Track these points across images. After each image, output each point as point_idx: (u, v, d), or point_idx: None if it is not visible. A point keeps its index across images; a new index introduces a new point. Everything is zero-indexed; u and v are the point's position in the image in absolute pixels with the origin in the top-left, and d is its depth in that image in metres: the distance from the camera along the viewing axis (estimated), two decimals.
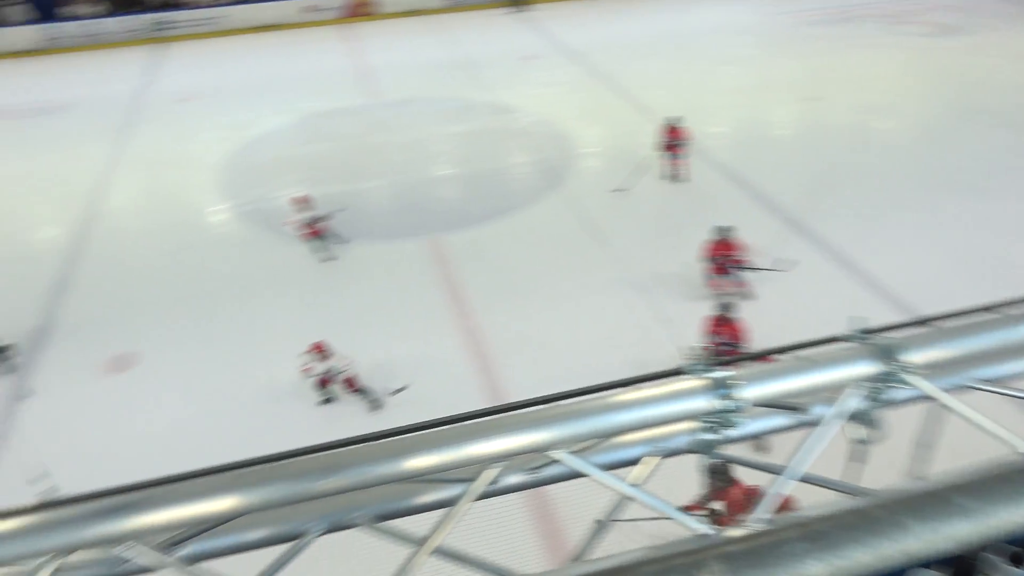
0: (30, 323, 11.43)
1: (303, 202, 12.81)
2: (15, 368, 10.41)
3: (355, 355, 9.42)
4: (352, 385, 9.32)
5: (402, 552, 1.91)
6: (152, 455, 8.68)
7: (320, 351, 9.24)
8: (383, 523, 2.02)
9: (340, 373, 9.29)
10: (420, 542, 1.89)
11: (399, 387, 9.26)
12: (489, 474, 1.94)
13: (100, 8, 27.02)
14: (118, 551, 1.78)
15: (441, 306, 11.34)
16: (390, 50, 25.25)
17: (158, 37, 27.33)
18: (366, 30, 27.85)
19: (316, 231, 12.72)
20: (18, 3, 25.99)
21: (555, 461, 1.92)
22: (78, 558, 1.84)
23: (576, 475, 1.98)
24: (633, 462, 2.05)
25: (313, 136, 18.52)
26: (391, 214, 14.57)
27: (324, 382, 9.32)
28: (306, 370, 9.23)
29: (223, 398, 9.74)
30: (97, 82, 23.19)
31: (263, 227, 14.12)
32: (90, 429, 9.31)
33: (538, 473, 2.04)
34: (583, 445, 1.97)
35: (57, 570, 1.72)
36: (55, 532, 1.65)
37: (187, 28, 27.69)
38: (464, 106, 19.83)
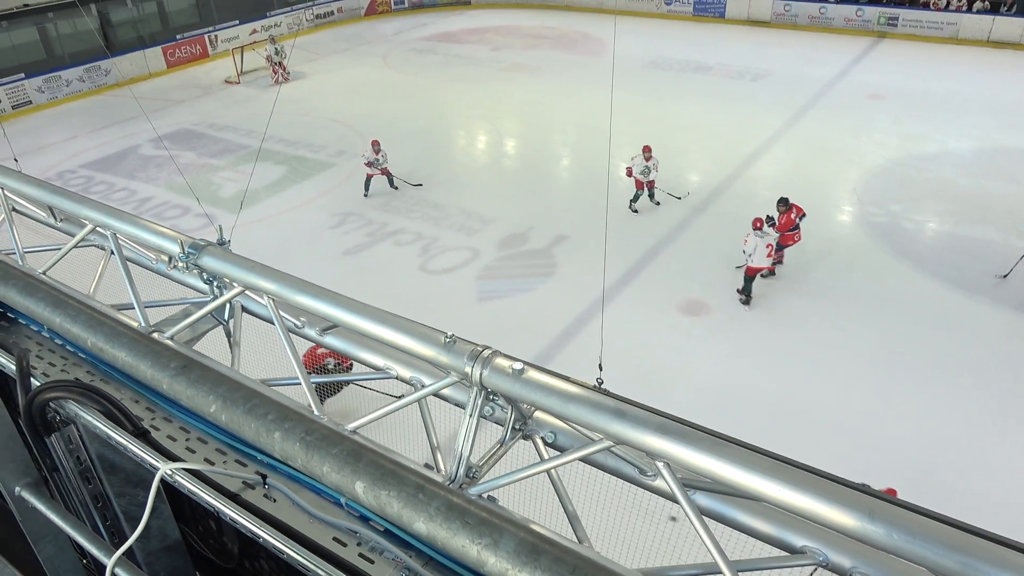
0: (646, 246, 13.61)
1: (375, 144, 15.61)
2: None
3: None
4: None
5: None
6: (693, 393, 9.68)
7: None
8: None
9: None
10: None
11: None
12: None
13: None
14: (645, 464, 2.07)
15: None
16: None
17: (879, 31, 27.22)
18: None
19: (371, 175, 15.79)
20: None
21: None
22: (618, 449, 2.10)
23: None
24: None
25: (990, 171, 16.32)
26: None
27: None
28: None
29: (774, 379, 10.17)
30: (803, 60, 24.51)
31: (882, 243, 13.49)
32: (653, 352, 10.78)
33: None
34: None
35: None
36: (604, 415, 1.88)
37: (912, 28, 26.75)
38: None
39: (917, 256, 13.08)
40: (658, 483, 2.09)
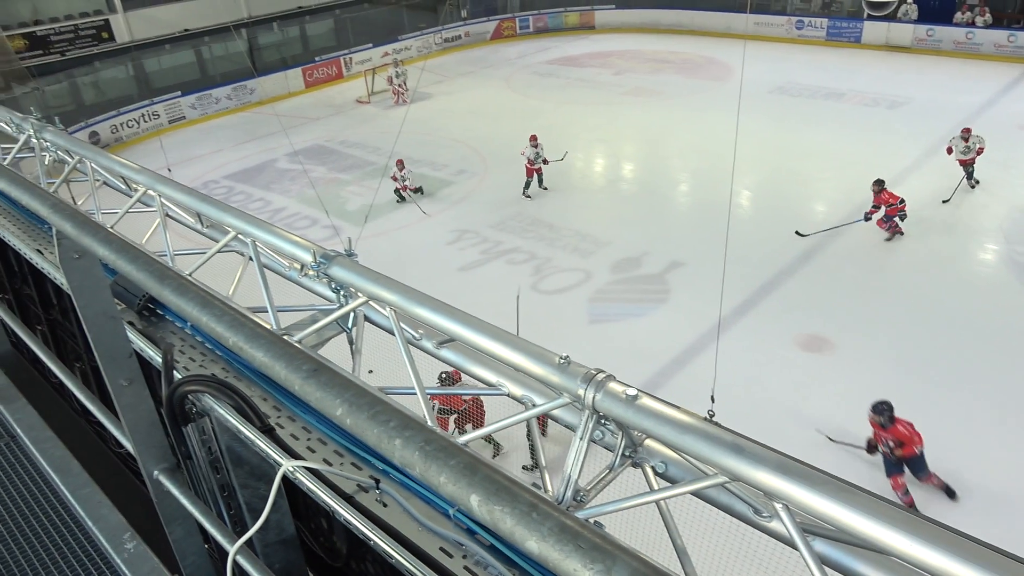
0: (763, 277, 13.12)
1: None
2: None
3: None
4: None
5: None
6: (810, 434, 9.22)
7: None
8: None
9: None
10: None
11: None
12: None
13: (986, 19, 26.30)
14: (760, 504, 1.97)
15: None
16: None
17: None
18: None
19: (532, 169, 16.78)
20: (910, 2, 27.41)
21: None
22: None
23: None
24: None
25: None
26: None
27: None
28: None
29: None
30: (947, 88, 23.04)
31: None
32: (767, 387, 10.34)
33: None
34: None
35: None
36: (720, 449, 1.82)
37: None
38: None
39: None
40: (774, 525, 2.00)
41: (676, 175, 18.84)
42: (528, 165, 16.86)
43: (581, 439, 2.08)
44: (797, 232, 14.24)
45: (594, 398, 2.00)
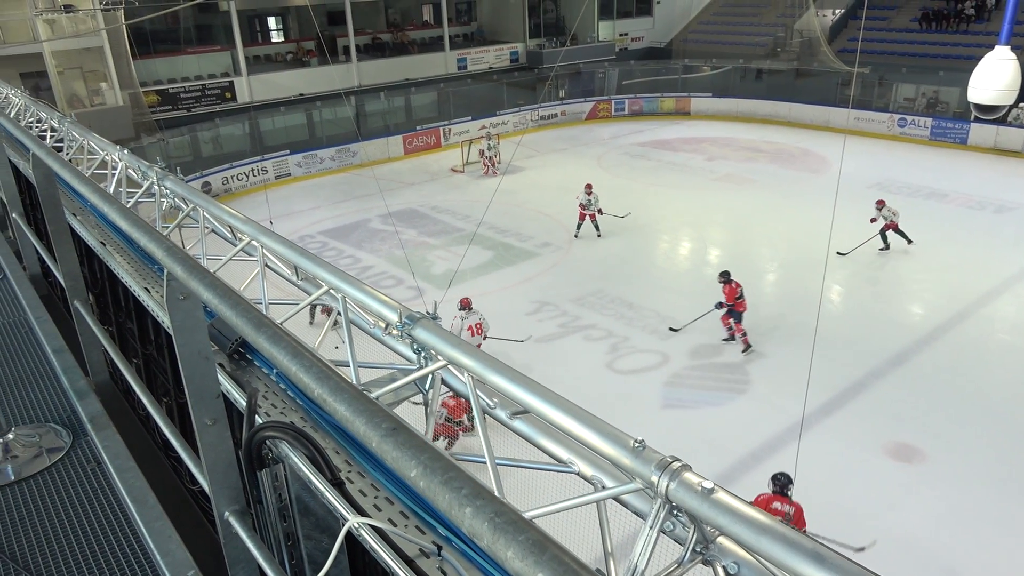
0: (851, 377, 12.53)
1: (588, 188, 18.83)
2: None
3: None
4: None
5: None
6: (896, 550, 8.60)
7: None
8: None
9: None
10: None
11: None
12: None
13: None
14: None
15: None
16: None
17: None
18: None
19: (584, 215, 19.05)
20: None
21: None
22: None
23: None
24: None
25: None
26: None
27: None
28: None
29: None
30: None
31: None
32: (850, 494, 9.76)
33: None
34: None
35: None
36: (799, 555, 1.71)
37: None
38: None
39: None
40: None
41: (764, 264, 18.47)
42: (581, 209, 18.95)
43: (651, 528, 2.01)
44: (671, 328, 14.25)
45: (668, 487, 1.94)
